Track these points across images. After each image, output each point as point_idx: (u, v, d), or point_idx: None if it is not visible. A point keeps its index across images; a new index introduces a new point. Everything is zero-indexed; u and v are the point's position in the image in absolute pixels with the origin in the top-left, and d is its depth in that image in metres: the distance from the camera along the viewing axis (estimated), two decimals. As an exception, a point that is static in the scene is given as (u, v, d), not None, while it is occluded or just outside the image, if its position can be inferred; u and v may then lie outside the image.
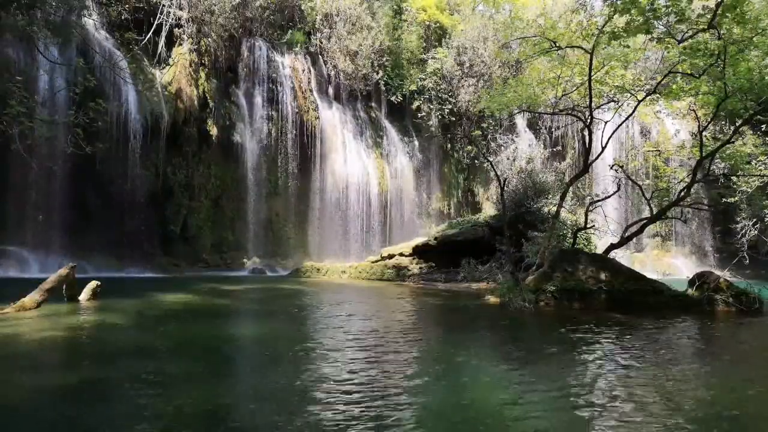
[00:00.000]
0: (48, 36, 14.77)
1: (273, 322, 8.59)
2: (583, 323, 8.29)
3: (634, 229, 13.55)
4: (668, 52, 12.92)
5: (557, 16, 16.14)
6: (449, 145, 28.11)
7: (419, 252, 18.28)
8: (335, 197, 23.65)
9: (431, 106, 26.74)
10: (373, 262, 18.67)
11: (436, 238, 18.28)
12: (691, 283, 10.85)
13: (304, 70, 23.97)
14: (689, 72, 11.65)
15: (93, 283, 9.67)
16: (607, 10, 11.15)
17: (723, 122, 21.58)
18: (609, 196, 14.60)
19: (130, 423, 3.59)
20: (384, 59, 25.75)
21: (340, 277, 17.67)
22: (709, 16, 10.26)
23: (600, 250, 13.82)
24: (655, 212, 13.51)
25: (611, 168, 15.39)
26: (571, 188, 15.08)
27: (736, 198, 20.28)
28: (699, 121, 14.09)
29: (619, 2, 10.35)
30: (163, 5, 19.86)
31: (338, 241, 23.45)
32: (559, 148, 27.94)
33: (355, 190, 24.02)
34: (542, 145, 26.75)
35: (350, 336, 7.09)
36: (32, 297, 8.28)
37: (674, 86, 12.44)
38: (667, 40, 11.24)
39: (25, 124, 12.77)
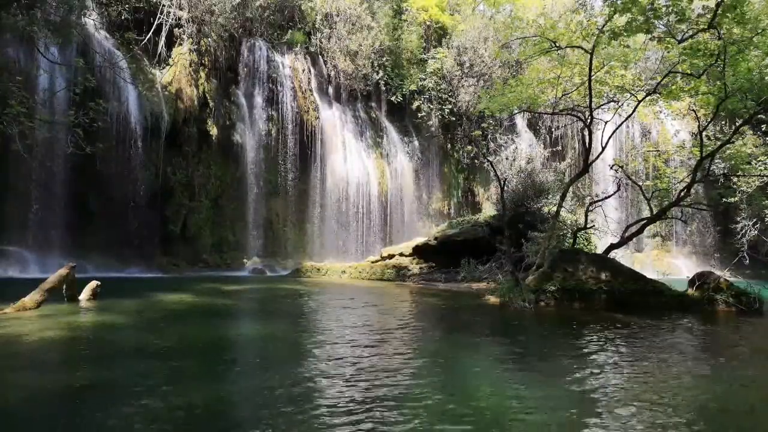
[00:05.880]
0: (48, 36, 14.77)
1: (273, 322, 8.59)
2: (584, 323, 8.30)
3: (634, 229, 13.55)
4: (668, 52, 12.90)
5: (557, 16, 16.13)
6: (449, 145, 28.11)
7: (419, 252, 18.28)
8: (335, 197, 23.65)
9: (431, 106, 26.73)
10: (373, 262, 18.67)
11: (436, 238, 18.27)
12: (691, 283, 10.84)
13: (304, 70, 23.97)
14: (689, 72, 11.65)
15: (93, 283, 9.67)
16: (607, 10, 11.14)
17: (723, 122, 21.60)
18: (609, 196, 14.60)
19: (131, 423, 3.59)
20: (384, 59, 25.75)
21: (340, 277, 17.67)
22: (709, 16, 10.25)
23: (600, 250, 13.82)
24: (655, 212, 13.51)
25: (611, 168, 15.40)
26: (571, 188, 15.07)
27: (736, 198, 20.28)
28: (699, 121, 14.08)
29: (619, 2, 10.35)
30: (163, 5, 19.86)
31: (338, 241, 23.45)
32: (559, 148, 27.94)
33: (355, 190, 24.02)
34: (542, 145, 26.76)
35: (350, 336, 7.08)
36: (32, 297, 8.28)
37: (674, 86, 12.42)
38: (667, 40, 11.23)
39: (25, 124, 12.78)
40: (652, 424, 3.76)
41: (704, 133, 13.07)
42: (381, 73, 25.65)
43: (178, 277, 17.01)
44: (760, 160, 17.36)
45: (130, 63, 18.55)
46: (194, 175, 20.41)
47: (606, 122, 13.67)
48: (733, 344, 7.42)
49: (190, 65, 20.68)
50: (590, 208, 14.24)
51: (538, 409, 4.07)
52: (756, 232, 21.64)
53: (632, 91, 13.19)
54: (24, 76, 14.66)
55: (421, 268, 17.52)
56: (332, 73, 24.93)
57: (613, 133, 13.64)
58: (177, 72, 20.33)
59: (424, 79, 26.57)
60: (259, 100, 22.56)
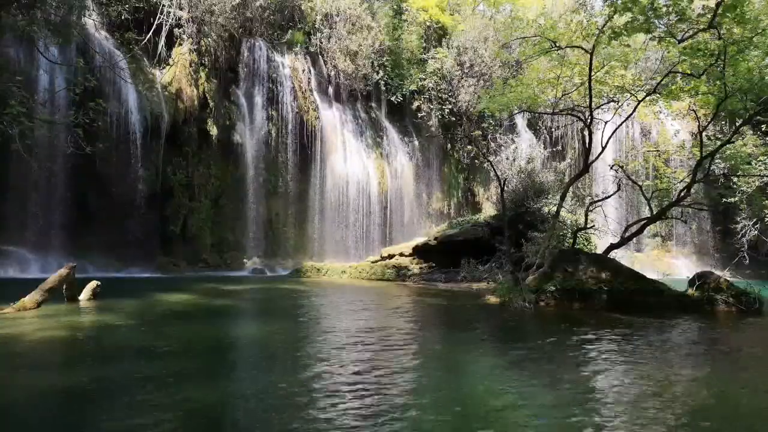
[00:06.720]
0: (48, 36, 14.78)
1: (273, 322, 8.59)
2: (584, 323, 8.29)
3: (634, 229, 13.54)
4: (668, 52, 12.90)
5: (557, 16, 16.11)
6: (449, 145, 28.09)
7: (419, 252, 18.28)
8: (335, 197, 23.64)
9: (431, 106, 26.72)
10: (373, 262, 18.67)
11: (436, 238, 18.28)
12: (692, 283, 10.84)
13: (304, 70, 23.97)
14: (689, 72, 11.64)
15: (93, 283, 9.68)
16: (607, 10, 11.13)
17: (723, 122, 21.60)
18: (609, 196, 14.59)
19: (130, 423, 3.58)
20: (384, 59, 25.74)
21: (340, 277, 17.67)
22: (709, 16, 10.24)
23: (600, 250, 13.81)
24: (655, 212, 13.51)
25: (611, 168, 15.38)
26: (571, 188, 15.06)
27: (736, 198, 20.27)
28: (699, 121, 14.07)
29: (619, 2, 10.34)
30: (163, 5, 19.86)
31: (338, 241, 23.44)
32: (559, 148, 27.93)
33: (355, 190, 24.02)
34: (542, 145, 26.70)
35: (350, 336, 7.08)
36: (32, 297, 8.29)
37: (674, 86, 12.41)
38: (667, 40, 11.22)
39: (25, 124, 12.78)
40: (654, 425, 3.76)
41: (704, 133, 13.06)
42: (381, 73, 25.64)
43: (178, 277, 17.01)
44: (760, 160, 17.36)
45: (130, 63, 18.55)
46: (194, 175, 20.40)
47: (606, 122, 13.66)
48: (733, 344, 7.42)
49: (190, 65, 20.68)
50: (590, 208, 14.22)
51: (540, 410, 4.06)
52: (756, 232, 21.63)
53: (632, 91, 13.18)
54: (24, 76, 14.66)
55: (421, 268, 17.52)
56: (332, 73, 24.92)
57: (613, 133, 13.62)
58: (177, 72, 20.32)
59: (424, 79, 26.55)
60: (259, 100, 22.55)
